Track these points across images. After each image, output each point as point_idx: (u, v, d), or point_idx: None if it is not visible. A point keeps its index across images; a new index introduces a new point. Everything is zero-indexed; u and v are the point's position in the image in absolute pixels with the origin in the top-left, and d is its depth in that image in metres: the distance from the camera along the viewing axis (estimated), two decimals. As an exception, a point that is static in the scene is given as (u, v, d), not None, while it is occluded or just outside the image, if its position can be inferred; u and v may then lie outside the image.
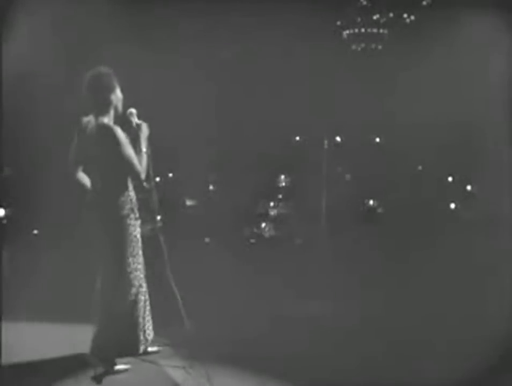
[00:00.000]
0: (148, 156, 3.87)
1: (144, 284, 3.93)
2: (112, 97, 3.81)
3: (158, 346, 4.16)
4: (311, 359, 4.16)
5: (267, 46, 10.26)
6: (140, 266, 3.88)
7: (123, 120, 3.91)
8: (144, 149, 3.83)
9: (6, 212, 7.70)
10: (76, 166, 3.87)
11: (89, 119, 3.80)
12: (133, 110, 3.97)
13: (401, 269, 6.60)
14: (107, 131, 3.69)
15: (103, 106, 3.79)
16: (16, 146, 7.03)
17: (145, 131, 3.91)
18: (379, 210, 10.17)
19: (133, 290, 3.84)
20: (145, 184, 4.00)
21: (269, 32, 9.87)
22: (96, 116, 3.76)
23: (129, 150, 3.70)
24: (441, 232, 8.20)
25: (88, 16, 7.54)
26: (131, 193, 3.82)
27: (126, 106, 3.94)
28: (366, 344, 4.50)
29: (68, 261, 5.94)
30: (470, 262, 6.57)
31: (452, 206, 10.14)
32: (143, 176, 3.76)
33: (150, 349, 4.06)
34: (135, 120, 3.94)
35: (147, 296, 3.96)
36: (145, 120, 3.98)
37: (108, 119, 3.77)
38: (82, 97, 3.82)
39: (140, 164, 3.75)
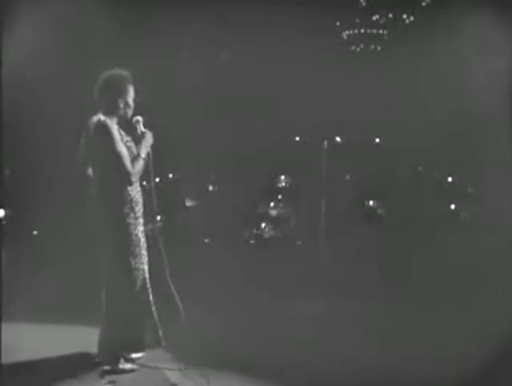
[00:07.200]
0: (147, 162, 3.88)
1: (148, 285, 3.91)
2: (120, 101, 3.81)
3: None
4: (310, 359, 4.16)
5: (267, 47, 10.26)
6: (143, 266, 3.85)
7: (130, 126, 3.92)
8: (142, 155, 3.84)
9: (6, 212, 7.70)
10: (85, 164, 3.87)
11: (96, 118, 3.80)
12: (139, 118, 3.98)
13: (401, 269, 6.61)
14: (101, 127, 3.70)
15: (110, 108, 3.80)
16: (16, 146, 7.03)
17: (148, 139, 3.93)
18: (379, 211, 10.18)
19: (136, 289, 3.82)
20: (144, 183, 4.01)
21: (269, 33, 9.88)
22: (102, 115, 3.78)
23: (121, 148, 3.70)
24: (441, 232, 8.21)
25: (88, 18, 7.54)
26: (132, 193, 3.80)
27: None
28: (365, 345, 4.50)
29: (67, 261, 5.94)
30: (470, 262, 6.58)
31: (452, 206, 10.16)
32: (132, 178, 3.75)
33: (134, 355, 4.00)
34: (141, 128, 3.95)
35: (151, 297, 3.93)
36: (147, 123, 3.99)
37: (108, 119, 3.76)
38: (94, 96, 3.83)
39: (133, 166, 3.74)
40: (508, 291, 5.28)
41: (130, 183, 3.76)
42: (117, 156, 3.68)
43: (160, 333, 3.91)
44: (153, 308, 3.90)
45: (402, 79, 9.97)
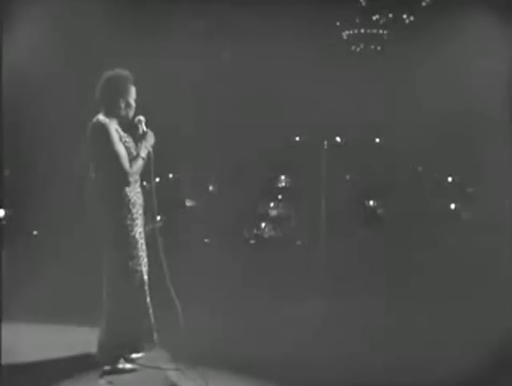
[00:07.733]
0: (148, 162, 3.88)
1: (146, 287, 3.90)
2: (121, 101, 3.81)
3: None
4: (310, 359, 4.16)
5: (266, 48, 10.25)
6: (141, 268, 3.85)
7: (131, 125, 3.93)
8: (142, 155, 3.84)
9: (6, 212, 7.70)
10: (86, 164, 3.87)
11: (95, 118, 3.80)
12: (141, 118, 3.98)
13: (401, 269, 6.61)
14: (98, 127, 3.71)
15: (111, 108, 3.80)
16: (16, 146, 7.03)
17: (149, 139, 3.93)
18: (379, 211, 10.17)
19: (133, 291, 3.82)
20: (145, 184, 4.01)
21: (269, 33, 9.87)
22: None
23: (118, 148, 3.70)
24: (441, 232, 8.21)
25: (88, 18, 7.54)
26: (130, 194, 3.79)
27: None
28: (365, 344, 4.50)
29: (67, 262, 5.94)
30: (470, 262, 6.58)
31: (452, 206, 10.15)
32: (130, 177, 3.74)
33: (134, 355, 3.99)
34: (142, 127, 3.96)
35: (148, 299, 3.92)
36: (146, 122, 3.99)
37: (108, 119, 3.76)
38: (95, 96, 3.83)
39: (131, 166, 3.74)
40: (509, 291, 5.28)
41: (128, 183, 3.75)
42: (114, 156, 3.68)
43: (155, 335, 3.90)
44: (150, 310, 3.90)
45: (402, 79, 9.97)
